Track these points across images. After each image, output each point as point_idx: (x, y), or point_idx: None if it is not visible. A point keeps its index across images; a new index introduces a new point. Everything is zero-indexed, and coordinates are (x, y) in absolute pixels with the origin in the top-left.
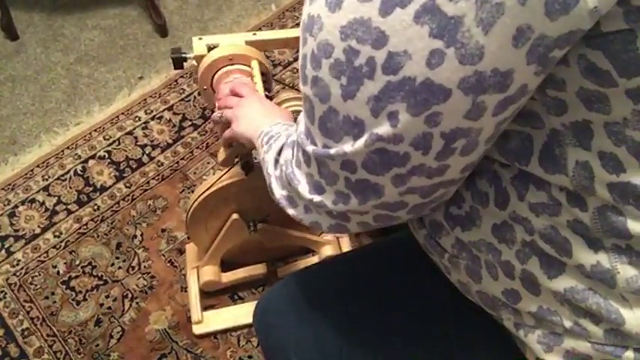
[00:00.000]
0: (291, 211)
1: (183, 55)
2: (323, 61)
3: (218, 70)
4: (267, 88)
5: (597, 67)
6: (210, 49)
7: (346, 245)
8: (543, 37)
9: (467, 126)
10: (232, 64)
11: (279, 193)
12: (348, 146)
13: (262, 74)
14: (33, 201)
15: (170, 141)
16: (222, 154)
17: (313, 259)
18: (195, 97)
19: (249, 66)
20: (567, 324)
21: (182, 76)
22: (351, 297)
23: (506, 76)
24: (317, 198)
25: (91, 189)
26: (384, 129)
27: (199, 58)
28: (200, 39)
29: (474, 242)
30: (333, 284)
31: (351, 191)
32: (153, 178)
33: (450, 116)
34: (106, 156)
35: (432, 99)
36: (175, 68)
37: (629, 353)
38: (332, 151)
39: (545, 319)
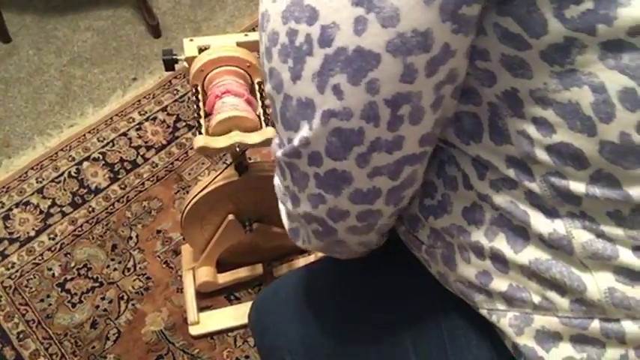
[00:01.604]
0: (299, 243)
1: (175, 57)
2: (273, 50)
3: (210, 72)
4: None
5: (510, 32)
6: (201, 50)
7: None
8: None
9: (405, 90)
10: (223, 66)
11: (288, 227)
12: (306, 130)
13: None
14: (27, 203)
15: (164, 142)
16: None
17: (309, 259)
18: (189, 98)
19: (241, 67)
20: (536, 299)
21: (176, 77)
22: (344, 295)
23: (426, 36)
24: (298, 209)
25: (85, 191)
26: (332, 104)
27: (190, 60)
28: (191, 40)
29: (446, 228)
30: (325, 283)
31: (323, 189)
32: (147, 180)
33: (386, 81)
34: (101, 157)
35: (366, 65)
36: (167, 70)
37: (595, 323)
38: (295, 142)
39: (515, 297)
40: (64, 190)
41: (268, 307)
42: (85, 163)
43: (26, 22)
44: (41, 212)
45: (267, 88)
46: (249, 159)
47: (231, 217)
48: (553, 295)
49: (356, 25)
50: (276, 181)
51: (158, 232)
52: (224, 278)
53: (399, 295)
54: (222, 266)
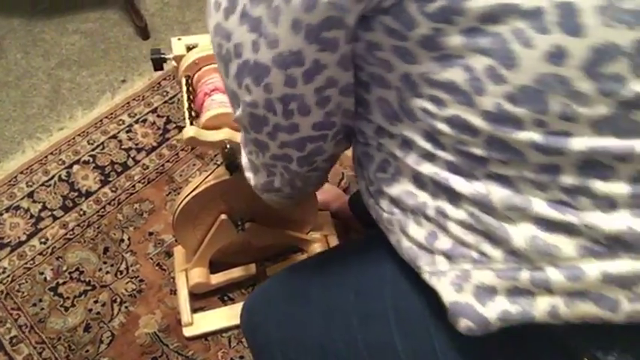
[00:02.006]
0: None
1: (163, 56)
2: (215, 54)
3: (198, 70)
4: None
5: (391, 28)
6: (189, 49)
7: (334, 243)
8: (310, 24)
9: (290, 92)
10: (212, 64)
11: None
12: (238, 111)
13: None
14: (17, 208)
15: (155, 144)
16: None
17: (302, 257)
18: (179, 99)
19: None
20: (474, 254)
21: (165, 79)
22: (328, 289)
23: (298, 55)
24: (248, 156)
25: (76, 194)
26: (246, 97)
27: (179, 59)
28: (179, 39)
29: (400, 195)
30: (311, 279)
31: (255, 147)
32: (138, 182)
33: (276, 85)
34: (91, 160)
35: (262, 73)
36: (155, 69)
37: (524, 273)
38: (236, 112)
39: (456, 254)
40: (55, 193)
41: (258, 307)
42: (76, 167)
43: (13, 26)
44: (32, 216)
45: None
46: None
47: (223, 216)
48: (488, 248)
49: (253, 45)
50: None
51: (150, 234)
52: (217, 279)
53: (380, 283)
54: (215, 267)
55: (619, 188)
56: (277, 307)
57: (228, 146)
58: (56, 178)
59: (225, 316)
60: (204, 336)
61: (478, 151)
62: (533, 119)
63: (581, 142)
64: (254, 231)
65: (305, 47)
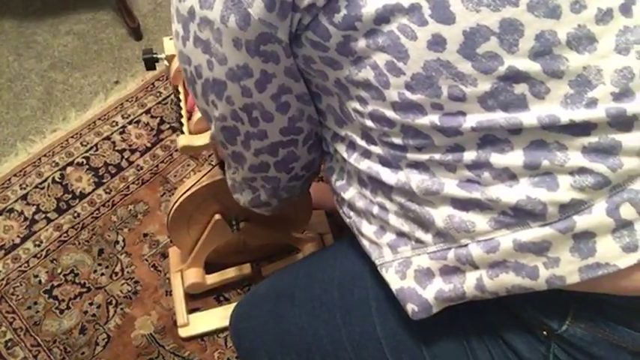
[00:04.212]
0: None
1: (155, 56)
2: (184, 79)
3: None
4: None
5: (314, 41)
6: None
7: (330, 242)
8: (248, 40)
9: (249, 101)
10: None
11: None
12: (213, 128)
13: None
14: (11, 211)
15: (149, 144)
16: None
17: (298, 257)
18: (172, 100)
19: None
20: (412, 242)
21: (158, 79)
22: (314, 290)
23: (246, 68)
24: (232, 176)
25: (70, 196)
26: (214, 112)
27: (171, 58)
28: (171, 39)
29: (352, 198)
30: (297, 282)
31: (234, 161)
32: (133, 183)
33: (235, 97)
34: (84, 162)
35: (221, 88)
36: (148, 69)
37: (451, 253)
38: (212, 130)
39: (398, 244)
40: (49, 196)
41: (245, 312)
42: (69, 168)
43: (5, 28)
44: (26, 219)
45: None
46: None
47: (217, 217)
48: (420, 234)
49: (208, 65)
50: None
51: (145, 235)
52: (212, 279)
53: (361, 277)
54: (210, 267)
55: (515, 159)
56: (263, 311)
57: None
58: (50, 181)
59: (221, 316)
60: (201, 336)
61: (397, 140)
62: (431, 103)
63: (473, 119)
64: (249, 231)
65: (249, 60)
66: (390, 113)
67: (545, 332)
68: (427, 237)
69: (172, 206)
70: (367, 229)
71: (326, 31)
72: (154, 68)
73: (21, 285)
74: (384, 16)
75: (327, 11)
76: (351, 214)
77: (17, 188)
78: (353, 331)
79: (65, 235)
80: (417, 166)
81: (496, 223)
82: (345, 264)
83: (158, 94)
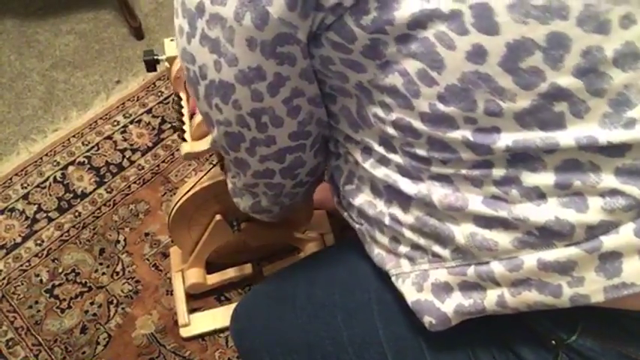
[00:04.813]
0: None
1: (156, 58)
2: (185, 77)
3: None
4: None
5: (336, 42)
6: None
7: (331, 242)
8: (264, 41)
9: (259, 106)
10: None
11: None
12: (214, 132)
13: None
14: (12, 210)
15: (150, 144)
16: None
17: (299, 257)
18: (174, 100)
19: None
20: (428, 257)
21: (160, 79)
22: (316, 291)
23: (259, 70)
24: (232, 180)
25: (71, 195)
26: (218, 116)
27: (172, 60)
28: (172, 40)
29: (363, 205)
30: (298, 283)
31: (236, 168)
32: (134, 183)
33: (244, 101)
34: (86, 161)
35: (228, 91)
36: (148, 71)
37: (471, 269)
38: (212, 135)
39: (415, 256)
40: (50, 195)
41: (245, 312)
42: (70, 168)
43: (6, 27)
44: (27, 218)
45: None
46: None
47: (218, 217)
48: (438, 249)
49: (215, 65)
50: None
51: (146, 234)
52: (213, 279)
53: (364, 279)
54: (211, 267)
55: (546, 179)
56: (264, 311)
57: None
58: (51, 180)
59: (222, 316)
60: (201, 336)
61: (421, 152)
62: (464, 117)
63: (508, 137)
64: (250, 231)
65: (263, 62)
66: (418, 124)
67: (554, 341)
68: (445, 252)
69: (173, 207)
70: (382, 238)
71: (351, 32)
72: (155, 70)
73: (22, 284)
74: (419, 21)
75: (355, 12)
76: (362, 221)
77: (18, 187)
78: (354, 334)
79: (66, 234)
80: (440, 178)
81: (520, 242)
82: (346, 266)
83: (159, 94)
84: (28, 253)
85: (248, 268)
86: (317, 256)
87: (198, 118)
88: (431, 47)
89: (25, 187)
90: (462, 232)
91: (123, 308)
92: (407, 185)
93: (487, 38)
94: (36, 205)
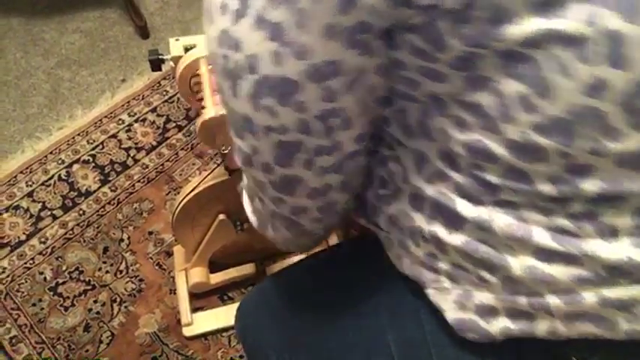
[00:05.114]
0: (269, 234)
1: (161, 57)
2: (216, 68)
3: (196, 71)
4: None
5: (419, 47)
6: (187, 49)
7: (334, 241)
8: (346, 27)
9: (330, 107)
10: (210, 64)
11: (256, 223)
12: (252, 140)
13: None
14: (17, 208)
15: (155, 143)
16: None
17: (302, 256)
18: (178, 99)
19: None
20: (472, 277)
21: (165, 78)
22: (321, 291)
23: (337, 64)
24: (264, 208)
25: (75, 194)
26: (269, 121)
27: (177, 60)
28: (177, 40)
29: (397, 215)
30: (303, 280)
31: (281, 193)
32: (138, 181)
33: (311, 102)
34: (91, 160)
35: (290, 90)
36: (153, 70)
37: (523, 298)
38: (245, 149)
39: (457, 275)
40: (54, 193)
41: (251, 309)
42: (75, 166)
43: (13, 25)
44: (31, 216)
45: (219, 98)
46: None
47: (221, 217)
48: (485, 274)
49: (273, 57)
50: (242, 183)
51: (150, 233)
52: (217, 278)
53: (372, 285)
54: (214, 266)
55: (625, 218)
56: (271, 309)
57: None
58: (56, 178)
59: (225, 315)
60: (204, 335)
61: (492, 178)
62: (558, 151)
63: (602, 177)
64: (253, 231)
65: (344, 54)
66: (499, 150)
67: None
68: (493, 279)
69: (177, 206)
70: (417, 250)
71: (442, 40)
72: (160, 69)
73: (26, 282)
74: (535, 41)
75: (454, 19)
76: (393, 229)
77: (23, 185)
78: (362, 336)
79: (70, 232)
80: (504, 205)
81: (582, 279)
82: (353, 267)
83: (164, 93)
84: (32, 250)
85: (251, 268)
86: (321, 256)
87: (204, 116)
88: (542, 72)
89: (30, 185)
90: (520, 263)
91: (126, 307)
92: (464, 207)
93: (613, 72)
94: (40, 203)
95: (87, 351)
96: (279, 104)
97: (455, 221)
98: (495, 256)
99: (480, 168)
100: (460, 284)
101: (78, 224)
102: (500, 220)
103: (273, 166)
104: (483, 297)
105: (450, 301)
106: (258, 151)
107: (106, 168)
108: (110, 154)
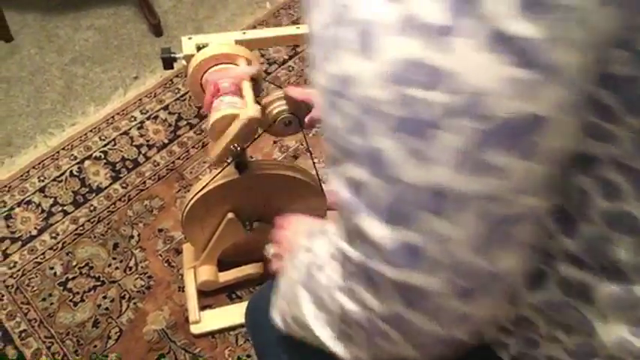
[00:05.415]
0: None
1: (173, 55)
2: (370, 124)
3: (207, 70)
4: (255, 90)
5: (602, 103)
6: (199, 48)
7: None
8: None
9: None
10: (222, 64)
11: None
12: (446, 227)
13: (252, 79)
14: (29, 202)
15: (166, 141)
16: (214, 151)
17: None
18: (190, 97)
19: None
20: (543, 332)
21: (177, 76)
22: None
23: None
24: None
25: (87, 190)
26: (487, 186)
27: (189, 58)
28: (189, 39)
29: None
30: None
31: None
32: (149, 178)
33: (552, 140)
34: (102, 156)
35: (534, 130)
36: (165, 68)
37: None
38: (423, 245)
39: (523, 327)
40: (66, 189)
41: (262, 306)
42: (87, 162)
43: (28, 22)
44: (43, 211)
45: (358, 172)
46: (250, 157)
47: (230, 215)
48: (559, 333)
49: (522, 88)
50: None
51: (160, 230)
52: (225, 277)
53: None
54: (223, 265)
55: None
56: None
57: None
58: (67, 174)
59: (233, 314)
60: (212, 334)
61: (621, 253)
62: None
63: None
64: (262, 230)
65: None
66: None
67: None
68: (567, 340)
69: (187, 203)
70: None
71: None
72: (172, 68)
73: (36, 277)
74: None
75: None
76: None
77: (35, 180)
78: None
79: (81, 228)
80: (616, 274)
81: None
82: None
83: (176, 91)
84: (43, 245)
85: (260, 267)
86: None
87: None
88: None
89: (42, 180)
90: (609, 333)
91: (135, 303)
92: (568, 270)
93: None
94: (52, 199)
95: (95, 346)
96: (514, 157)
97: (541, 278)
98: (582, 321)
99: (607, 239)
100: (523, 335)
101: (89, 220)
102: (605, 287)
103: (486, 248)
104: (552, 348)
105: (515, 351)
106: (447, 236)
107: (118, 165)
108: (122, 151)
